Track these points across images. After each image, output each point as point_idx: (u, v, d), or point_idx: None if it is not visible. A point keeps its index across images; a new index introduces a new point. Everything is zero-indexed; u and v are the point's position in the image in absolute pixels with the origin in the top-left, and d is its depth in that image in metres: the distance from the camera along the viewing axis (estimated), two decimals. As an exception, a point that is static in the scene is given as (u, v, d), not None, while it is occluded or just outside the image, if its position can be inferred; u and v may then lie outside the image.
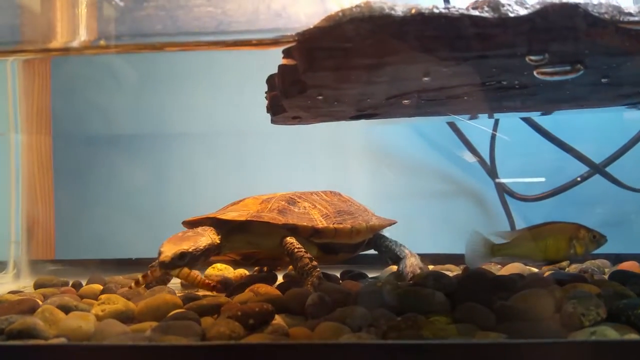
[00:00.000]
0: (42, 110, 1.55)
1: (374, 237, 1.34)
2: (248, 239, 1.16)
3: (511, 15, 0.69)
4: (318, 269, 1.05)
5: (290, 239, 1.11)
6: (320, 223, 1.15)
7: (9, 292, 1.18)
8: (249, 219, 1.10)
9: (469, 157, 1.79)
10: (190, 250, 0.99)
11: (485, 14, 0.69)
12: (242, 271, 1.37)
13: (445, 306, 0.87)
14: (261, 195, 1.24)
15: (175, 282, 1.37)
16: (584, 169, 1.71)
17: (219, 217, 1.11)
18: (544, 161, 1.81)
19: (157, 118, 1.76)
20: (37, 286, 1.31)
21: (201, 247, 1.01)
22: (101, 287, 1.16)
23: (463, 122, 1.75)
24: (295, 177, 1.74)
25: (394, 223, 1.34)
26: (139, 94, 1.67)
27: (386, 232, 1.37)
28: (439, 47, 0.71)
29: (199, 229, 1.07)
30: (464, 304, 0.85)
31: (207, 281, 1.02)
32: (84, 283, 1.28)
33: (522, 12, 0.70)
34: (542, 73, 0.83)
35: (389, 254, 1.31)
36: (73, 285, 1.28)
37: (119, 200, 1.77)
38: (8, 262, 1.52)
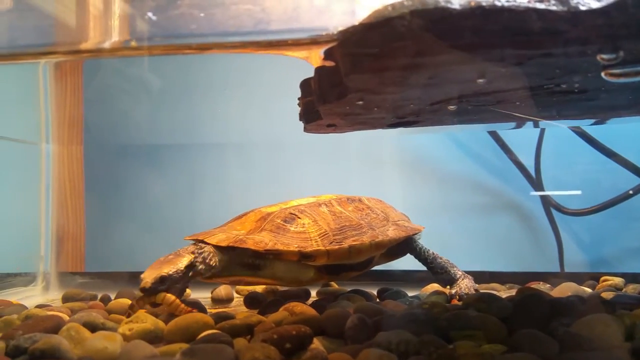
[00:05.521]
0: (73, 120, 1.54)
1: (413, 248, 1.25)
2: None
3: (582, 8, 0.62)
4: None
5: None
6: (314, 244, 1.06)
7: (37, 306, 1.15)
8: (230, 244, 1.03)
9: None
10: (170, 273, 0.97)
11: (553, 7, 0.62)
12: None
13: (501, 332, 0.79)
14: (270, 206, 1.17)
15: (206, 297, 1.32)
16: (635, 180, 1.60)
17: (203, 239, 1.06)
18: (591, 173, 1.71)
19: (190, 128, 1.73)
20: (65, 300, 1.29)
21: (181, 269, 0.99)
22: (129, 302, 1.12)
23: (505, 130, 1.67)
24: (329, 189, 1.68)
25: (416, 232, 1.23)
26: (171, 103, 1.64)
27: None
28: (500, 45, 0.64)
29: (181, 250, 1.04)
30: (522, 331, 0.77)
31: (187, 309, 0.98)
32: (112, 297, 1.24)
33: (595, 4, 0.62)
34: (611, 74, 0.74)
35: (445, 274, 1.22)
36: (101, 299, 1.25)
37: (151, 211, 1.73)
38: (37, 275, 1.50)
